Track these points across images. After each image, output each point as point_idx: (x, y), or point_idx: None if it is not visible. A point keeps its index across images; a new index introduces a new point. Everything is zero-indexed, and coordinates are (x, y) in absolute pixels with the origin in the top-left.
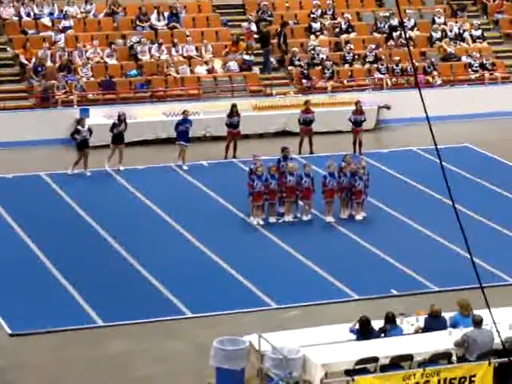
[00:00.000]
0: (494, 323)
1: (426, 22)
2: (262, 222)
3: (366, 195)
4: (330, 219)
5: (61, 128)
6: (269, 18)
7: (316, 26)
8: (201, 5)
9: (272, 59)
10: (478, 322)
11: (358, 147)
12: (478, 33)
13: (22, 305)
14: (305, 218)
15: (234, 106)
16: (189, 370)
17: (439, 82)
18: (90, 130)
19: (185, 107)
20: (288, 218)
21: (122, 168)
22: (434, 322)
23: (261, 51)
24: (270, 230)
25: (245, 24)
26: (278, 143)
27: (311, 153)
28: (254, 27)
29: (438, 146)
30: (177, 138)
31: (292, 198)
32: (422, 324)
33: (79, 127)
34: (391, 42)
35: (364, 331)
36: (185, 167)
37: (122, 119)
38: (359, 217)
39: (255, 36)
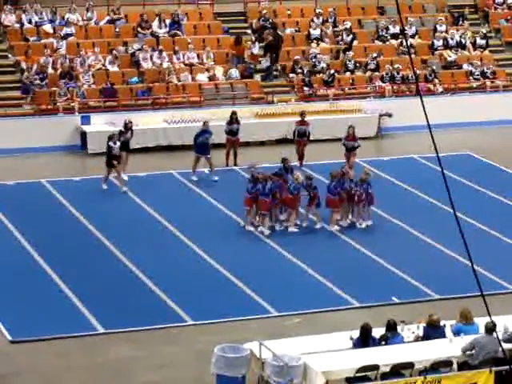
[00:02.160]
0: (496, 332)
1: (427, 30)
2: (266, 232)
3: (367, 203)
4: (334, 228)
5: (62, 135)
6: (270, 26)
7: (317, 33)
8: (202, 12)
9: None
10: (489, 329)
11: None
12: (483, 41)
13: (23, 312)
14: (318, 226)
15: (233, 113)
16: (190, 376)
17: (440, 89)
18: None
19: (186, 114)
20: (291, 228)
21: (123, 175)
22: (433, 331)
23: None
24: (271, 238)
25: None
26: (279, 151)
27: (300, 165)
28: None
29: (439, 154)
30: (196, 150)
31: (294, 208)
32: (421, 333)
33: (111, 144)
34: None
35: (364, 338)
36: (194, 178)
37: (128, 127)
38: (363, 225)
39: (260, 44)
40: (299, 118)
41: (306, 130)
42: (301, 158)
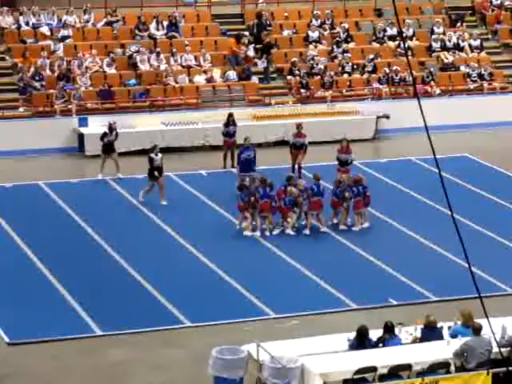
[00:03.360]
0: (493, 333)
1: (424, 32)
2: (267, 233)
3: (363, 206)
4: (325, 229)
5: (59, 137)
6: (268, 28)
7: (315, 35)
8: (200, 14)
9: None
10: (477, 330)
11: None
12: (477, 43)
13: (20, 314)
14: (322, 229)
15: (230, 115)
16: (187, 378)
17: (438, 91)
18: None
19: (183, 116)
20: (288, 231)
21: (121, 176)
22: (430, 333)
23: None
24: (268, 240)
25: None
26: (276, 153)
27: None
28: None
29: (437, 156)
30: (241, 168)
31: (286, 217)
32: (419, 334)
33: (152, 155)
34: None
35: (361, 341)
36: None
37: (113, 128)
38: (360, 227)
39: (256, 46)
40: (295, 131)
41: (303, 143)
42: (298, 169)
